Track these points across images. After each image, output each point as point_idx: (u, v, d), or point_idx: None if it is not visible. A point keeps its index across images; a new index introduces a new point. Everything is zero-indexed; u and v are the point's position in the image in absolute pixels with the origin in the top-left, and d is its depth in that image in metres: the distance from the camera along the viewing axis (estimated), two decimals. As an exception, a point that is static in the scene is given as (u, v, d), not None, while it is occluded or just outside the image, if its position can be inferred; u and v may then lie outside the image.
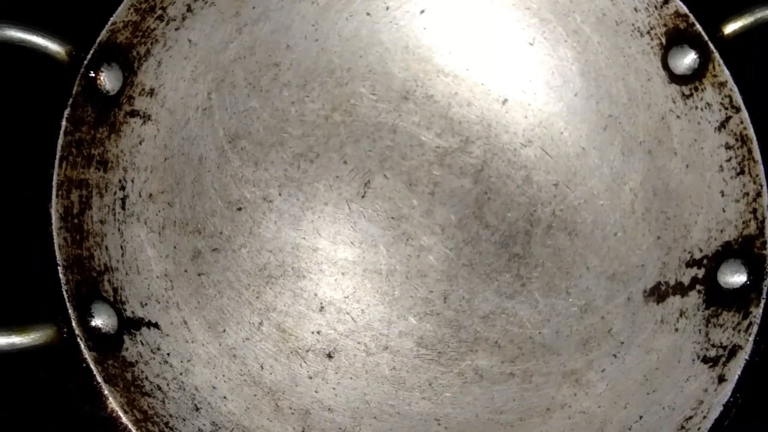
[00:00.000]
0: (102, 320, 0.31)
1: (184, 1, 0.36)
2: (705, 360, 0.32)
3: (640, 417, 0.32)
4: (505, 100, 0.40)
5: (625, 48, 0.37)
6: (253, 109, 0.40)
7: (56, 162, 0.32)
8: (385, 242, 0.39)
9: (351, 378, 0.37)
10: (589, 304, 0.37)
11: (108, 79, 0.34)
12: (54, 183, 0.32)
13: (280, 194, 0.39)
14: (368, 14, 0.41)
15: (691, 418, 0.31)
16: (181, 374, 0.34)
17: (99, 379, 0.30)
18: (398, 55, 0.41)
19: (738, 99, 0.33)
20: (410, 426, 0.36)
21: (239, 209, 0.39)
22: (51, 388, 0.32)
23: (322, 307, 0.38)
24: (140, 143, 0.36)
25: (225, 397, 0.34)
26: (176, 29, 0.36)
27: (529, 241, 0.39)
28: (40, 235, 0.31)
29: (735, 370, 0.31)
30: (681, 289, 0.35)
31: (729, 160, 0.34)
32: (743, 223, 0.33)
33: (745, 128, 0.33)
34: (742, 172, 0.33)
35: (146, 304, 0.34)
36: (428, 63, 0.41)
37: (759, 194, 0.32)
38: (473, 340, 0.38)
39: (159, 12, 0.35)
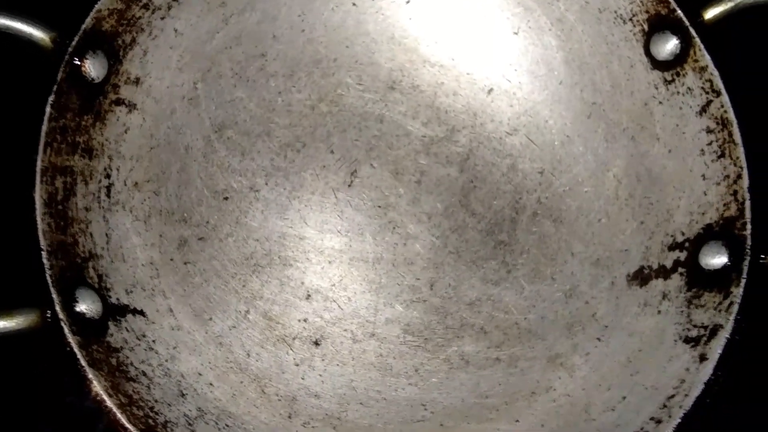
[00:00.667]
0: (86, 306, 0.31)
1: (170, -10, 0.36)
2: (687, 340, 0.32)
3: (624, 398, 0.33)
4: (491, 90, 0.41)
5: (608, 35, 0.37)
6: (239, 99, 0.40)
7: (40, 148, 0.32)
8: (371, 231, 0.39)
9: (338, 365, 0.37)
10: (573, 289, 0.37)
11: (93, 67, 0.34)
12: (38, 169, 0.32)
13: (266, 183, 0.39)
14: (354, 4, 0.41)
15: (673, 396, 0.31)
16: (166, 361, 0.34)
17: (83, 363, 0.30)
18: (384, 45, 0.41)
19: (719, 83, 0.33)
20: (396, 411, 0.36)
21: (226, 198, 0.39)
22: (37, 373, 0.32)
23: (309, 295, 0.38)
24: (126, 132, 0.36)
25: (211, 384, 0.34)
26: (162, 18, 0.36)
27: (515, 228, 0.39)
28: (24, 220, 0.31)
29: (716, 348, 0.31)
30: (663, 272, 0.35)
31: (710, 143, 0.34)
32: (724, 205, 0.33)
33: (725, 112, 0.33)
34: (722, 155, 0.34)
35: (131, 292, 0.34)
36: (414, 53, 0.41)
37: (739, 176, 0.33)
38: (459, 327, 0.38)
39: (144, 0, 0.35)
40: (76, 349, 0.30)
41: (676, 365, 0.32)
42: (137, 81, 0.36)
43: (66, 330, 0.30)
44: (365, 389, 0.36)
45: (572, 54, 0.39)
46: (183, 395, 0.33)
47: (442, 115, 0.41)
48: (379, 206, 0.39)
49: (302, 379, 0.36)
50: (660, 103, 0.36)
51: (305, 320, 0.38)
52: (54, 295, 0.30)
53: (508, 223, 0.39)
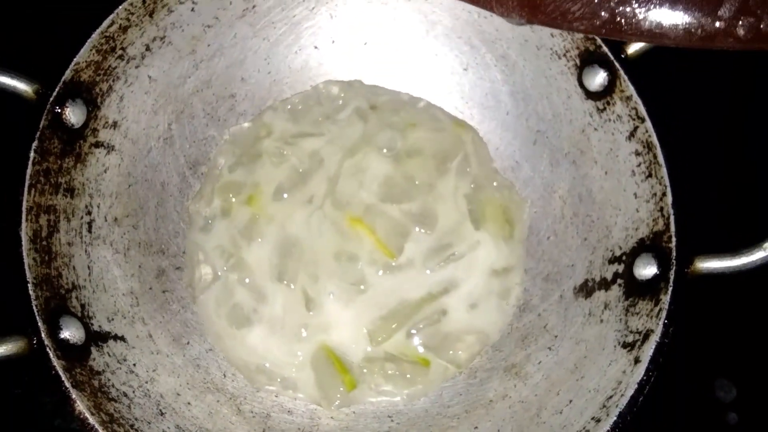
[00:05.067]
0: (70, 332, 0.34)
1: (143, 42, 0.39)
2: (624, 345, 0.35)
3: (570, 401, 0.35)
4: (446, 121, 0.44)
5: (546, 69, 0.41)
6: (211, 137, 0.43)
7: (25, 189, 0.34)
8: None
9: (309, 382, 0.39)
10: (526, 304, 0.40)
11: (73, 114, 0.37)
12: (23, 209, 0.34)
13: (239, 215, 0.42)
14: (316, 47, 0.44)
15: (611, 397, 0.34)
16: (146, 382, 0.36)
17: (67, 384, 0.32)
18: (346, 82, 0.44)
19: (642, 110, 0.37)
20: (365, 424, 0.38)
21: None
22: (23, 399, 0.34)
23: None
24: (105, 171, 0.39)
25: (189, 403, 0.36)
26: (136, 67, 0.39)
27: (472, 248, 0.42)
28: (11, 255, 0.34)
29: (648, 351, 0.33)
30: (605, 284, 0.38)
31: (639, 165, 0.37)
32: (653, 220, 0.36)
33: (650, 136, 0.37)
34: (650, 175, 0.37)
35: (113, 319, 0.37)
36: (374, 90, 0.44)
37: (664, 194, 0.36)
38: (422, 342, 0.40)
39: (119, 52, 0.38)
40: (60, 372, 0.32)
41: (614, 368, 0.34)
42: (115, 124, 0.39)
43: (51, 355, 0.32)
44: (335, 404, 0.39)
45: (516, 87, 0.42)
46: (162, 414, 0.35)
47: (402, 145, 0.43)
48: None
49: (276, 396, 0.39)
50: (595, 129, 0.39)
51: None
52: (39, 324, 0.33)
53: (465, 244, 0.42)
